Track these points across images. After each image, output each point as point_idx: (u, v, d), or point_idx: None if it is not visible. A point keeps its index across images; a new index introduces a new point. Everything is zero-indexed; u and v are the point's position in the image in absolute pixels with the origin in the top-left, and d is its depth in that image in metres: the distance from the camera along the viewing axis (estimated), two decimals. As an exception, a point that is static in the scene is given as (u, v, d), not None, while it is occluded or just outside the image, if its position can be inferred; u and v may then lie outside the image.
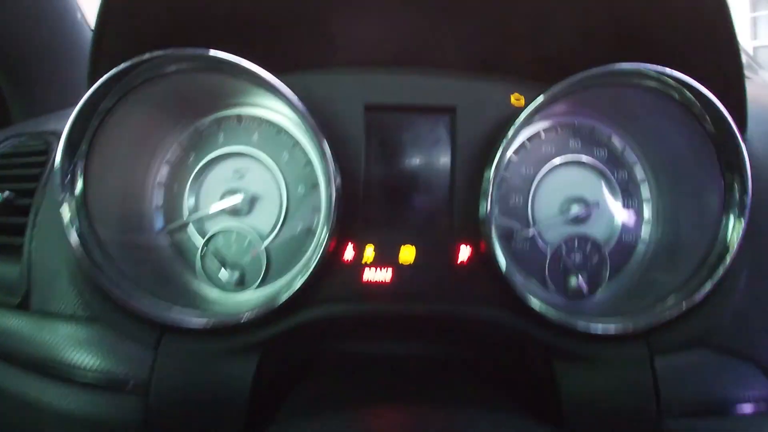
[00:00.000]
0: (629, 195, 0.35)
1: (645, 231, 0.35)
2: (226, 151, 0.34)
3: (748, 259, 0.31)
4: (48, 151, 0.38)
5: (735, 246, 0.30)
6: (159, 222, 0.35)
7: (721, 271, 0.30)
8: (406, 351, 0.36)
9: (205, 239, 0.34)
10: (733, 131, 0.29)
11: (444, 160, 0.33)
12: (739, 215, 0.30)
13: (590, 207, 0.33)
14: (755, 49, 3.93)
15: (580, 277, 0.32)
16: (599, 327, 0.30)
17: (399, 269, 0.32)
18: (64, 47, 0.63)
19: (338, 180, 0.30)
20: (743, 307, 0.31)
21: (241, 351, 0.31)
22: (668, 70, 0.29)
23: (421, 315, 0.32)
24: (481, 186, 0.30)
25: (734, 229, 0.30)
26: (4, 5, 0.58)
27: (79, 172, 0.31)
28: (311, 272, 0.30)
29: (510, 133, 0.29)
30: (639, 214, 0.35)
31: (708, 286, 0.30)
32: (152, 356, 0.31)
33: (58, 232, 0.31)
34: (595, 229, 0.34)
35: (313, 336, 0.34)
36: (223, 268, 0.33)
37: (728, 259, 0.30)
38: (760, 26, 4.00)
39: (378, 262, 0.32)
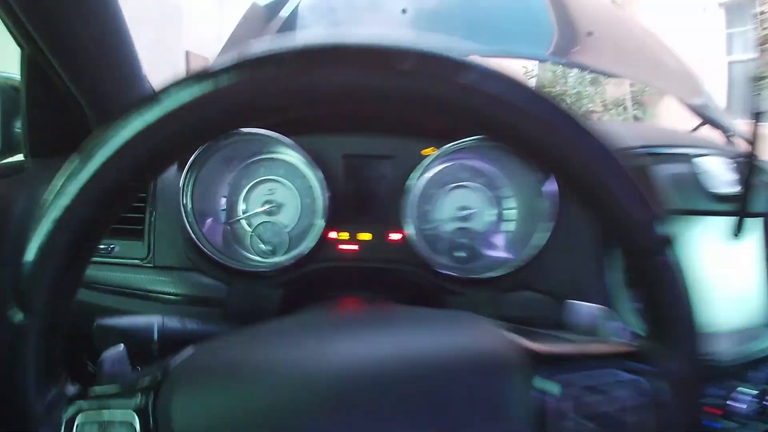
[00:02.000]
0: (499, 204, 0.58)
1: (507, 226, 0.58)
2: (264, 178, 0.59)
3: (560, 231, 0.53)
4: None
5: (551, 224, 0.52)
6: (224, 217, 0.59)
7: (541, 239, 0.52)
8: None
9: (253, 228, 0.58)
10: None
11: (387, 184, 0.56)
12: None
13: (473, 210, 0.57)
14: (730, 63, 4.15)
15: (462, 251, 0.56)
16: (466, 276, 0.53)
17: (361, 244, 0.56)
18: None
19: (327, 195, 0.54)
20: (550, 260, 0.53)
21: (276, 285, 0.55)
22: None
23: (371, 267, 0.55)
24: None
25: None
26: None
27: (190, 183, 0.53)
28: (314, 246, 0.53)
29: (421, 169, 0.54)
30: (503, 215, 0.58)
31: (531, 251, 0.52)
32: (227, 289, 0.55)
33: (172, 216, 0.53)
34: (475, 223, 0.58)
35: (312, 282, 0.57)
36: (262, 244, 0.57)
37: (549, 232, 0.52)
38: (735, 42, 4.23)
39: (350, 240, 0.56)
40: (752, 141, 0.53)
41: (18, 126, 0.70)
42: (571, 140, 0.23)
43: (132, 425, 0.24)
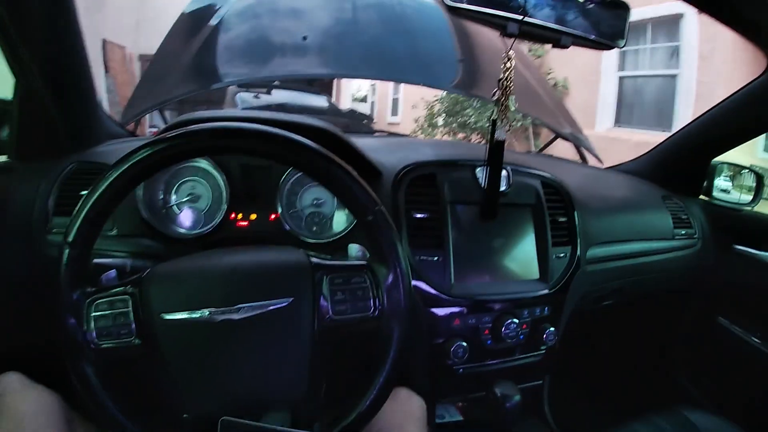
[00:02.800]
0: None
1: (342, 210, 0.92)
2: (188, 178, 0.89)
3: None
4: None
5: None
6: (162, 204, 0.90)
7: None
8: None
9: (181, 211, 0.88)
10: None
11: (268, 183, 0.88)
12: None
13: (322, 200, 0.91)
14: (621, 78, 4.71)
15: (315, 226, 0.90)
16: (317, 241, 0.87)
17: (251, 221, 0.88)
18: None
19: (229, 190, 0.86)
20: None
21: (195, 247, 0.85)
22: None
23: (257, 236, 0.88)
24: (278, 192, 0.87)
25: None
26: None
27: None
28: (221, 220, 0.85)
29: (288, 173, 0.86)
30: (340, 204, 0.92)
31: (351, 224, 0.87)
32: (164, 249, 0.85)
33: (130, 203, 0.77)
34: (324, 209, 0.91)
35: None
36: (187, 221, 0.88)
37: None
38: (627, 59, 4.78)
39: (243, 219, 0.87)
40: (490, 155, 0.85)
41: (4, 135, 0.95)
42: (320, 164, 0.57)
43: (127, 301, 0.55)
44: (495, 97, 0.79)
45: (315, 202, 0.89)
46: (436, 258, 0.83)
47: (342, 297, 0.57)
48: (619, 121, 5.19)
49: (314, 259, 0.58)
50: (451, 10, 0.68)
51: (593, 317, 1.24)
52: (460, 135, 6.19)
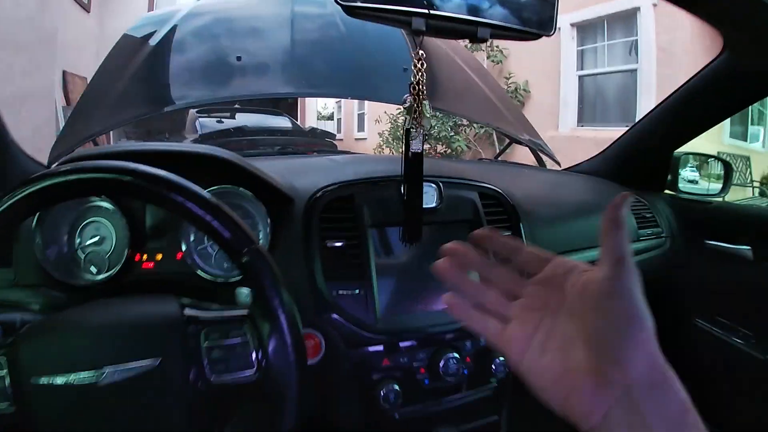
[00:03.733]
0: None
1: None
2: (92, 219, 0.83)
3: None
4: None
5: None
6: (66, 248, 0.84)
7: None
8: None
9: (85, 255, 0.83)
10: None
11: (173, 222, 0.82)
12: None
13: None
14: (580, 77, 4.75)
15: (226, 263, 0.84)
16: (228, 279, 0.82)
17: (156, 262, 0.81)
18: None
19: (130, 230, 0.80)
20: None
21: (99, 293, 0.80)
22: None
23: (163, 277, 0.82)
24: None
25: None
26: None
27: (38, 226, 0.77)
28: (123, 263, 0.80)
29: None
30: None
31: None
32: (66, 297, 0.79)
33: (29, 249, 0.72)
34: None
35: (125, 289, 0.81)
36: (92, 266, 0.82)
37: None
38: (586, 58, 4.82)
39: (148, 260, 0.81)
40: (406, 169, 0.78)
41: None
42: (177, 198, 0.52)
43: (2, 363, 0.50)
44: (407, 104, 0.74)
45: None
46: (357, 291, 0.77)
47: (219, 355, 0.51)
48: (582, 120, 5.22)
49: (188, 311, 0.53)
50: (347, 10, 0.62)
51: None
52: (426, 146, 6.21)
